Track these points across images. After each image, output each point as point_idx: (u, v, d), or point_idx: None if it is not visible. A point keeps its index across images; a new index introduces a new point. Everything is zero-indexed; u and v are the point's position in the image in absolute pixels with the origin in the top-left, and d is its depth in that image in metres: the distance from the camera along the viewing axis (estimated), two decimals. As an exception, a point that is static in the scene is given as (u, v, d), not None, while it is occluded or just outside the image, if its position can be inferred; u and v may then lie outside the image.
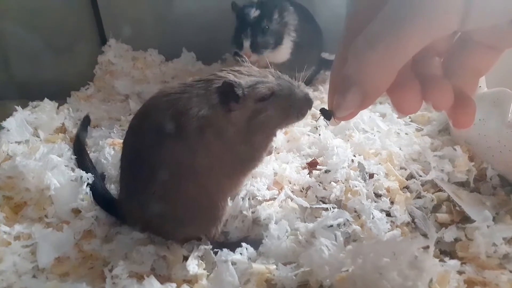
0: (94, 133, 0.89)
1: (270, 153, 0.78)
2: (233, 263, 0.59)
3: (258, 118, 0.59)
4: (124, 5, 1.20)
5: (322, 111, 0.49)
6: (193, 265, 0.60)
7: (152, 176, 0.58)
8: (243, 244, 0.62)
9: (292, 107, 0.61)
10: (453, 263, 0.58)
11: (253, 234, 0.67)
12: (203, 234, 0.64)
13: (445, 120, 0.91)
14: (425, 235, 0.65)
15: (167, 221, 0.61)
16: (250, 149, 0.62)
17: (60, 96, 1.06)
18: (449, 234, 0.65)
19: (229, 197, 0.66)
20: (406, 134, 0.87)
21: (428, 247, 0.54)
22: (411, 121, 0.94)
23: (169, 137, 0.56)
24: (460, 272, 0.58)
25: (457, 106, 0.46)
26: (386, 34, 0.39)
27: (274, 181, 0.73)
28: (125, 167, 0.65)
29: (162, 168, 0.58)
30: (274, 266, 0.59)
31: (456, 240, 0.65)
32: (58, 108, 0.96)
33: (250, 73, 0.61)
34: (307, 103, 0.62)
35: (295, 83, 0.63)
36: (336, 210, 0.67)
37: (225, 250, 0.60)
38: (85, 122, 0.89)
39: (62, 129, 0.89)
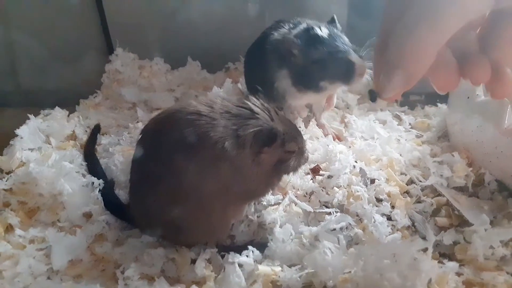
0: (103, 140, 0.91)
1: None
2: (240, 265, 0.61)
3: (281, 165, 0.64)
4: (130, 15, 1.23)
5: (369, 92, 0.52)
6: (201, 268, 0.62)
7: (158, 186, 0.61)
8: (249, 247, 0.64)
9: (302, 163, 0.68)
10: (452, 265, 0.60)
11: (259, 238, 0.69)
12: (206, 242, 0.66)
13: (444, 126, 0.93)
14: (424, 238, 0.68)
15: (171, 228, 0.64)
16: (264, 187, 0.67)
17: (68, 103, 1.09)
18: (448, 237, 0.67)
19: (232, 220, 0.68)
20: (406, 140, 0.89)
21: (426, 249, 0.56)
22: (411, 127, 0.96)
23: (183, 155, 0.58)
24: (458, 274, 0.60)
25: (494, 79, 0.48)
26: (424, 18, 0.42)
27: (278, 187, 0.76)
28: (135, 171, 0.67)
29: (169, 181, 0.60)
30: (280, 268, 0.61)
31: (455, 243, 0.67)
32: (68, 116, 0.99)
33: (279, 117, 0.64)
34: (305, 161, 0.69)
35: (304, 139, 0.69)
36: (338, 214, 0.69)
37: (232, 252, 0.63)
38: (95, 131, 0.92)
39: (73, 137, 0.92)
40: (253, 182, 0.63)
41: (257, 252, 0.64)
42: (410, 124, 0.97)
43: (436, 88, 0.50)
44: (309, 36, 0.79)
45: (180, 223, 0.63)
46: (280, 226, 0.67)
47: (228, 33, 1.24)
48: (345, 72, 0.76)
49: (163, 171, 0.60)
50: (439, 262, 0.62)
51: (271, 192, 0.71)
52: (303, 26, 0.82)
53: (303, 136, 0.69)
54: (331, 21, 0.84)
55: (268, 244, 0.65)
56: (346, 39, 0.80)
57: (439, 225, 0.70)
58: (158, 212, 0.63)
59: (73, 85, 1.21)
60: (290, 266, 0.62)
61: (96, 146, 0.90)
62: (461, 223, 0.70)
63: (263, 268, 0.60)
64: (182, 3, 1.22)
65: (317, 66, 0.77)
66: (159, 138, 0.62)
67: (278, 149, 0.62)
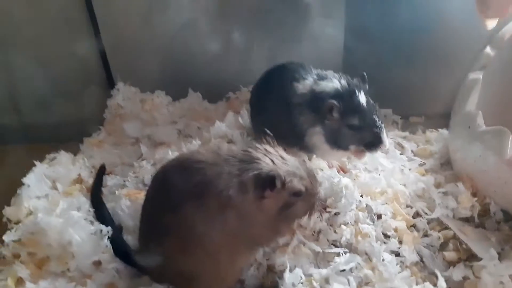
0: (109, 182, 0.91)
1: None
2: (252, 313, 0.61)
3: (288, 210, 0.63)
4: (130, 49, 1.24)
5: None
6: (213, 316, 0.62)
7: (167, 235, 0.62)
8: (260, 292, 0.65)
9: (315, 206, 0.67)
10: (463, 305, 0.60)
11: (269, 282, 0.69)
12: None
13: (446, 153, 0.94)
14: (433, 274, 0.68)
15: (181, 277, 0.64)
16: (272, 234, 0.67)
17: (72, 138, 1.10)
18: (457, 273, 0.67)
19: (241, 266, 0.68)
20: (409, 170, 0.90)
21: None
22: (413, 155, 0.97)
23: (189, 203, 0.59)
24: (470, 313, 0.61)
25: None
26: None
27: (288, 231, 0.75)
28: (144, 217, 0.69)
29: (177, 230, 0.61)
30: (292, 315, 0.61)
31: (465, 278, 0.67)
32: (74, 156, 0.99)
33: (284, 160, 0.64)
34: (322, 205, 0.71)
35: (318, 179, 0.69)
36: (347, 254, 0.69)
37: (243, 300, 0.63)
38: (101, 173, 0.92)
39: (79, 180, 0.92)
40: (260, 229, 0.63)
41: (267, 298, 0.64)
42: (412, 151, 0.98)
43: None
44: (351, 101, 0.81)
45: (189, 272, 0.63)
46: (290, 270, 0.67)
47: (227, 62, 1.25)
48: (373, 145, 0.82)
49: (171, 220, 0.61)
50: (450, 301, 0.62)
51: (281, 238, 0.71)
52: (336, 83, 0.84)
53: (316, 177, 0.68)
54: (363, 80, 0.87)
55: (278, 289, 0.66)
56: (375, 106, 0.84)
57: (448, 260, 0.71)
58: (167, 261, 0.64)
59: (76, 121, 1.21)
60: (302, 312, 0.62)
61: (102, 188, 0.90)
62: (469, 257, 0.71)
63: (275, 316, 0.60)
64: (179, 35, 1.23)
65: (352, 131, 0.82)
66: (168, 186, 0.64)
67: (282, 193, 0.62)
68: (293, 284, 0.65)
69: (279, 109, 0.88)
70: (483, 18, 0.58)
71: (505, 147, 0.73)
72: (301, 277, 0.66)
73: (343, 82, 0.84)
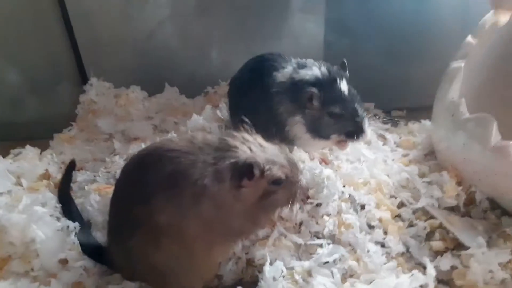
0: (79, 177, 0.86)
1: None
2: (230, 309, 0.57)
3: (268, 199, 0.60)
4: (104, 43, 1.20)
5: None
6: (188, 314, 0.58)
7: (139, 228, 0.57)
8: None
9: (297, 194, 0.64)
10: (452, 294, 0.58)
11: (248, 276, 0.66)
12: (193, 286, 0.62)
13: (430, 143, 0.92)
14: (420, 264, 0.65)
15: (154, 273, 0.60)
16: (251, 225, 0.63)
17: (43, 136, 1.05)
18: (445, 262, 0.65)
19: (219, 260, 0.65)
20: (393, 161, 0.87)
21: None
22: (396, 146, 0.95)
23: (161, 194, 0.55)
24: (460, 302, 0.58)
25: None
26: None
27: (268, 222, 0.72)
28: (113, 211, 0.64)
29: (150, 222, 0.56)
30: (272, 310, 0.57)
31: (453, 268, 0.64)
32: (40, 153, 0.94)
33: (263, 147, 0.61)
34: (305, 193, 0.67)
35: (299, 167, 0.66)
36: (330, 246, 0.66)
37: (221, 296, 0.59)
38: (70, 168, 0.87)
39: (46, 175, 0.86)
40: (238, 220, 0.59)
41: (246, 292, 0.60)
42: (395, 143, 0.96)
43: None
44: (332, 89, 0.79)
45: (163, 267, 0.59)
46: (270, 263, 0.63)
47: (205, 57, 1.22)
48: (355, 134, 0.80)
49: (143, 212, 0.57)
50: (438, 290, 0.60)
51: (260, 229, 0.67)
52: (316, 71, 0.81)
53: (297, 165, 0.65)
54: (343, 67, 0.84)
55: (258, 283, 0.61)
56: (357, 95, 0.82)
57: (435, 250, 0.68)
58: (139, 256, 0.59)
59: (47, 118, 1.16)
60: (283, 307, 0.58)
61: (71, 184, 0.85)
62: (457, 246, 0.68)
63: (255, 311, 0.57)
64: (157, 29, 1.19)
65: (333, 120, 0.80)
66: (138, 177, 0.59)
67: (261, 181, 0.58)
68: (274, 278, 0.62)
69: (259, 99, 0.85)
70: (496, 11, 0.58)
71: (490, 134, 0.71)
72: (282, 271, 0.63)
73: (324, 69, 0.81)
